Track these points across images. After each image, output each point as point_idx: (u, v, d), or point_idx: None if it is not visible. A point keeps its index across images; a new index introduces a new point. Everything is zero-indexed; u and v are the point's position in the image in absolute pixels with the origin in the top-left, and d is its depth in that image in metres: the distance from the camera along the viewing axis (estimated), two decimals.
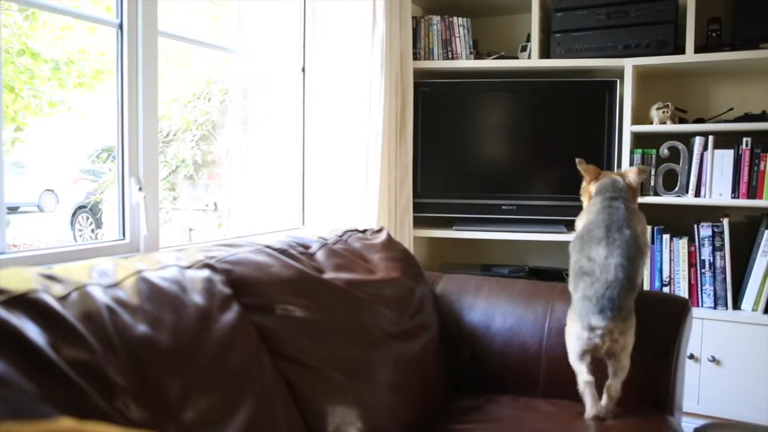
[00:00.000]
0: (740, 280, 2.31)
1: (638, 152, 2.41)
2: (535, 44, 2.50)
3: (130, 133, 1.59)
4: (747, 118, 2.33)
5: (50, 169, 4.94)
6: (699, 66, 2.38)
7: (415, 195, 2.50)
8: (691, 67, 2.41)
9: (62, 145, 4.31)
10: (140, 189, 1.60)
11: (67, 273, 0.94)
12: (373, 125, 2.21)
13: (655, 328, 1.53)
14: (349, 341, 1.31)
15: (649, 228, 2.32)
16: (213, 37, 3.01)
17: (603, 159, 2.45)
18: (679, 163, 2.37)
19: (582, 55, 2.45)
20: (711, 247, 2.30)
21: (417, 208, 2.51)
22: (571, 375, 1.55)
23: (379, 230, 1.81)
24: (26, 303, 0.80)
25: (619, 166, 2.44)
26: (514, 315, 1.65)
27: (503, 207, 2.54)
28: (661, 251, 2.36)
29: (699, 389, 2.27)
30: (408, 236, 2.43)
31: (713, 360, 2.25)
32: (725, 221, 2.29)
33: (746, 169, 2.26)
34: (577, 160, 1.72)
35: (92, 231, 4.70)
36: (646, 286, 2.39)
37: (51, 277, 0.90)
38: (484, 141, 2.65)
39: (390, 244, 1.73)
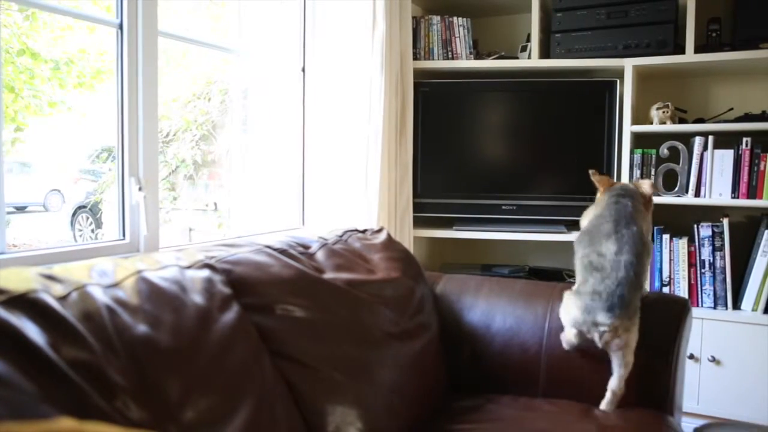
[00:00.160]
0: (740, 280, 2.31)
1: (638, 152, 2.41)
2: (535, 44, 2.50)
3: (130, 133, 1.59)
4: (747, 118, 2.33)
5: (54, 169, 4.96)
6: (699, 66, 2.38)
7: (415, 195, 2.50)
8: (691, 67, 2.41)
9: (62, 145, 4.31)
10: (140, 189, 1.60)
11: (67, 273, 0.94)
12: (373, 125, 2.21)
13: (655, 328, 1.53)
14: (349, 341, 1.31)
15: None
16: (213, 37, 3.01)
17: (603, 159, 2.45)
18: (679, 163, 2.37)
19: (582, 55, 2.45)
20: (711, 247, 2.30)
21: (417, 208, 2.51)
22: (571, 375, 1.56)
23: (379, 230, 1.81)
24: (26, 303, 0.80)
25: (619, 166, 2.44)
26: (514, 315, 1.65)
27: (503, 207, 2.54)
28: (661, 251, 2.36)
29: (699, 389, 2.27)
30: (408, 236, 2.43)
31: (713, 360, 2.25)
32: (725, 221, 2.29)
33: (746, 169, 2.26)
34: (590, 171, 1.71)
35: (92, 231, 4.70)
36: (646, 287, 2.39)
37: (51, 277, 0.90)
38: (484, 141, 2.65)
39: (390, 244, 1.73)
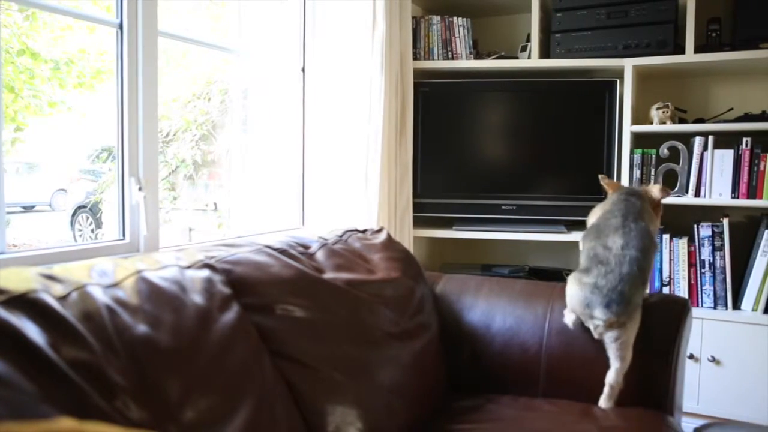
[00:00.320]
0: (740, 280, 2.31)
1: (638, 152, 2.41)
2: (535, 44, 2.50)
3: (130, 133, 1.59)
4: (747, 118, 2.33)
5: (59, 169, 4.99)
6: (699, 66, 2.38)
7: (415, 195, 2.50)
8: (691, 67, 2.41)
9: (62, 145, 4.31)
10: (140, 189, 1.60)
11: (67, 273, 0.94)
12: (373, 125, 2.21)
13: (655, 328, 1.53)
14: (349, 341, 1.31)
15: None
16: (213, 37, 3.01)
17: (603, 159, 2.45)
18: (679, 163, 2.37)
19: (582, 55, 2.45)
20: (711, 247, 2.30)
21: (417, 208, 2.51)
22: (571, 375, 1.56)
23: (379, 230, 1.81)
24: (26, 303, 0.80)
25: (619, 166, 2.44)
26: (514, 315, 1.65)
27: (503, 207, 2.54)
28: (661, 251, 2.36)
29: (699, 389, 2.27)
30: (408, 236, 2.43)
31: (713, 360, 2.25)
32: (725, 221, 2.29)
33: (746, 169, 2.26)
34: (600, 176, 1.74)
35: (92, 231, 4.70)
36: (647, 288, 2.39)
37: (51, 277, 0.90)
38: (484, 141, 2.65)
39: (390, 244, 1.73)
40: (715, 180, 2.30)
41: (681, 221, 2.41)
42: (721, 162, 2.30)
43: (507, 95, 2.59)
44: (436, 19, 2.57)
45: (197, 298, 1.06)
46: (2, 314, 0.75)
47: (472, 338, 1.66)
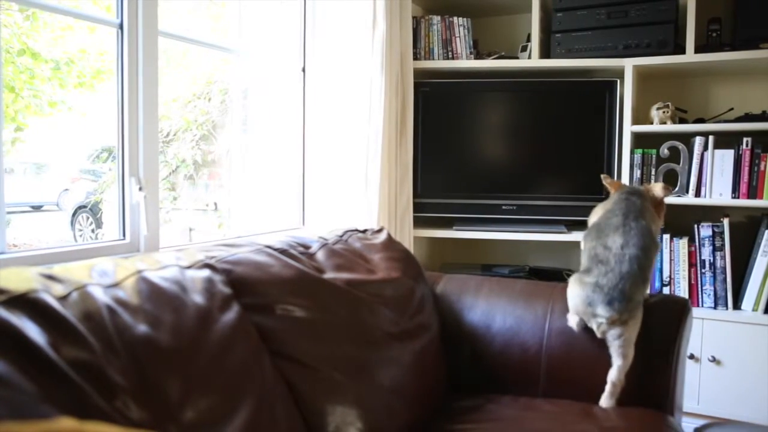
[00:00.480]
0: (740, 280, 2.31)
1: (638, 152, 2.41)
2: (535, 44, 2.50)
3: (131, 133, 1.59)
4: (747, 118, 2.33)
5: (63, 169, 5.01)
6: (699, 66, 2.38)
7: (415, 195, 2.50)
8: (691, 67, 2.41)
9: (63, 145, 4.31)
10: (140, 189, 1.60)
11: (67, 273, 0.94)
12: (373, 125, 2.21)
13: (655, 329, 1.53)
14: (349, 341, 1.31)
15: None
16: (213, 37, 3.01)
17: (603, 159, 2.45)
18: (679, 163, 2.37)
19: (582, 55, 2.45)
20: (711, 247, 2.30)
21: (417, 208, 2.51)
22: (572, 375, 1.56)
23: (379, 230, 1.81)
24: (26, 303, 0.80)
25: (620, 166, 2.44)
26: (514, 315, 1.65)
27: (503, 207, 2.54)
28: (661, 251, 2.36)
29: (699, 389, 2.27)
30: (408, 236, 2.43)
31: (713, 360, 2.25)
32: (725, 221, 2.29)
33: (746, 169, 2.26)
34: (602, 175, 1.76)
35: (92, 231, 4.70)
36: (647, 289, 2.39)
37: (51, 277, 0.90)
38: (484, 141, 2.65)
39: (390, 244, 1.73)
40: (716, 180, 2.30)
41: (681, 221, 2.41)
42: (722, 162, 2.30)
43: (507, 95, 2.59)
44: (436, 19, 2.57)
45: (197, 298, 1.06)
46: (2, 314, 0.75)
47: (472, 338, 1.66)
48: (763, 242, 2.23)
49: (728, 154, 2.29)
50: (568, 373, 1.56)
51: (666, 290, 2.36)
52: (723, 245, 2.28)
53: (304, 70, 2.32)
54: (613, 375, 1.47)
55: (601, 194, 1.77)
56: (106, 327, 0.87)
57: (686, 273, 2.34)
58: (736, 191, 2.28)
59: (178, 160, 4.08)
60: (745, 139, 2.27)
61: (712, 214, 2.38)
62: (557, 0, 2.48)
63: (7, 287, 0.81)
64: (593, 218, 1.65)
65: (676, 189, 2.37)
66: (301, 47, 2.31)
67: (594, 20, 2.43)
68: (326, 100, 2.25)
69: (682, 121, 2.49)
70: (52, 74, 3.41)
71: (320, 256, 1.48)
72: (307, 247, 1.48)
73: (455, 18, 2.57)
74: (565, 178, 2.55)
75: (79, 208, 4.86)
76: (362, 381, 1.28)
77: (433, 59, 2.58)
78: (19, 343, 0.74)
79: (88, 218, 4.82)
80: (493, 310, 1.68)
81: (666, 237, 2.36)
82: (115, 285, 0.97)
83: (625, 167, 2.41)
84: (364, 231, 1.77)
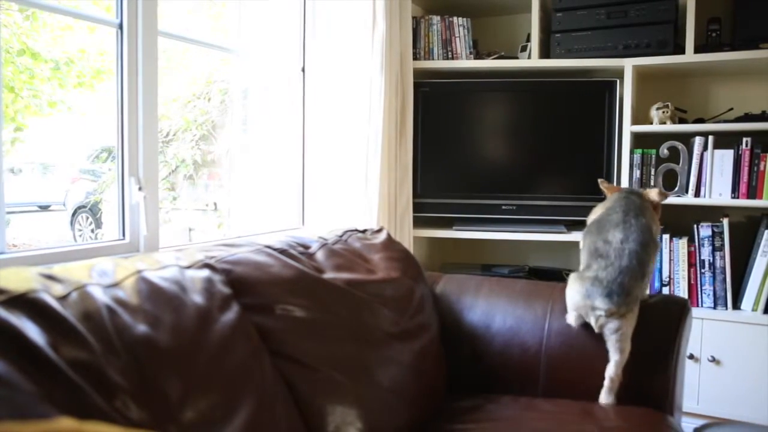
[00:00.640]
0: (740, 280, 2.31)
1: (638, 152, 2.41)
2: (535, 44, 2.50)
3: (130, 133, 1.59)
4: (747, 118, 2.33)
5: (64, 168, 5.03)
6: (699, 66, 2.38)
7: (415, 195, 2.50)
8: (691, 67, 2.41)
9: (62, 144, 4.31)
10: (140, 189, 1.60)
11: (67, 273, 0.94)
12: (373, 125, 2.21)
13: (654, 329, 1.53)
14: (349, 341, 1.31)
15: None
16: (213, 37, 3.01)
17: (603, 159, 2.45)
18: (678, 163, 2.37)
19: (582, 55, 2.45)
20: (711, 247, 2.30)
21: (417, 208, 2.51)
22: (571, 375, 1.56)
23: (379, 230, 1.81)
24: (26, 303, 0.80)
25: (619, 166, 2.44)
26: (514, 315, 1.65)
27: (503, 207, 2.54)
28: (661, 251, 2.36)
29: (699, 389, 2.27)
30: (408, 236, 2.43)
31: (713, 360, 2.25)
32: (725, 221, 2.29)
33: (746, 169, 2.26)
34: (599, 180, 1.78)
35: (92, 231, 4.70)
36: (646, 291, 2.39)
37: (51, 277, 0.90)
38: (484, 141, 2.65)
39: (390, 244, 1.73)
40: (715, 180, 2.30)
41: (681, 221, 2.41)
42: (721, 162, 2.30)
43: (507, 95, 2.59)
44: (436, 19, 2.57)
45: (197, 298, 1.06)
46: (2, 314, 0.75)
47: (472, 338, 1.66)
48: (763, 242, 2.23)
49: (728, 154, 2.29)
50: (567, 373, 1.56)
51: (665, 290, 2.36)
52: (722, 245, 2.28)
53: (303, 70, 2.32)
54: (610, 370, 1.47)
55: (601, 194, 1.77)
56: (106, 327, 0.87)
57: (686, 273, 2.34)
58: (735, 191, 2.28)
59: (178, 160, 4.07)
60: (744, 139, 2.27)
61: (712, 214, 2.38)
62: (557, 0, 2.49)
63: (7, 287, 0.81)
64: (592, 217, 1.66)
65: (676, 189, 2.37)
66: (301, 47, 2.31)
67: (594, 20, 2.43)
68: (326, 100, 2.24)
69: (682, 121, 2.49)
70: (52, 74, 3.41)
71: (320, 256, 1.48)
72: (306, 247, 1.48)
73: (455, 18, 2.57)
74: (564, 178, 2.55)
75: (79, 208, 4.86)
76: (362, 381, 1.28)
77: (433, 59, 2.58)
78: (19, 343, 0.74)
79: (87, 218, 4.82)
80: (492, 310, 1.68)
81: (666, 237, 2.36)
82: (115, 285, 0.97)
83: (625, 167, 2.41)
84: (364, 231, 1.77)
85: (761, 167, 2.24)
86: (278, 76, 2.28)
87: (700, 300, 2.31)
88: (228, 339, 1.05)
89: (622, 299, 1.43)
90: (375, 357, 1.35)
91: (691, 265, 2.33)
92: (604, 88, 2.46)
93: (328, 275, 1.41)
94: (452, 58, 2.57)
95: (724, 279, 2.28)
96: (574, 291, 1.52)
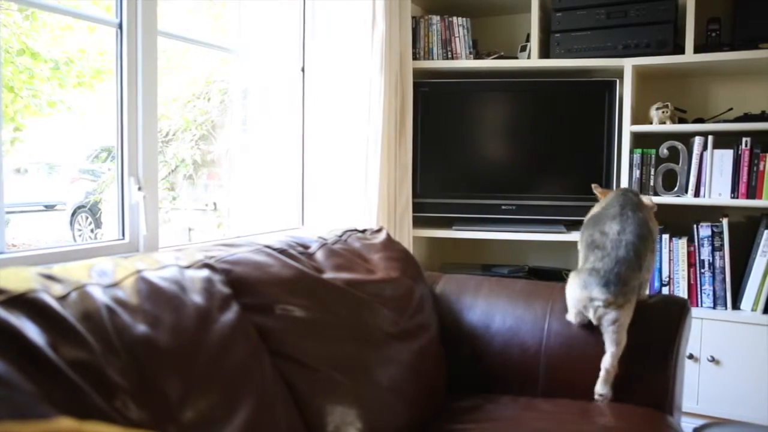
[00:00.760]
0: (739, 280, 2.31)
1: (638, 152, 2.41)
2: (534, 44, 2.50)
3: (130, 133, 1.59)
4: (746, 118, 2.33)
5: (66, 168, 5.04)
6: (699, 66, 2.38)
7: (414, 195, 2.50)
8: (691, 67, 2.41)
9: (62, 144, 4.32)
10: (140, 189, 1.60)
11: (66, 273, 0.94)
12: (372, 125, 2.21)
13: (654, 328, 1.53)
14: (348, 341, 1.31)
15: None
16: (213, 37, 3.01)
17: (603, 159, 2.45)
18: (678, 163, 2.37)
19: (581, 55, 2.45)
20: (710, 247, 2.30)
21: (416, 207, 2.51)
22: (571, 375, 1.56)
23: (379, 230, 1.81)
24: (26, 303, 0.80)
25: (619, 166, 2.44)
26: (514, 315, 1.65)
27: (503, 207, 2.54)
28: (660, 251, 2.36)
29: (698, 389, 2.27)
30: (407, 236, 2.43)
31: (712, 360, 2.25)
32: (724, 221, 2.29)
33: (746, 169, 2.26)
34: (593, 185, 1.81)
35: (92, 231, 4.70)
36: (646, 291, 2.39)
37: (50, 277, 0.90)
38: (483, 141, 2.65)
39: (389, 244, 1.73)
40: (715, 180, 2.31)
41: (680, 221, 2.41)
42: (721, 162, 2.30)
43: (507, 95, 2.59)
44: (435, 18, 2.57)
45: (197, 297, 1.06)
46: (2, 314, 0.75)
47: (472, 338, 1.66)
48: (762, 242, 2.23)
49: (727, 154, 2.29)
50: (567, 372, 1.56)
51: (665, 290, 2.36)
52: (722, 245, 2.28)
53: (303, 70, 2.32)
54: (606, 362, 1.48)
55: None
56: (106, 327, 0.87)
57: (685, 273, 2.34)
58: (735, 191, 2.28)
59: (178, 159, 4.07)
60: (744, 139, 2.27)
61: (712, 214, 2.38)
62: (556, 0, 2.49)
63: (6, 287, 0.80)
64: (590, 215, 1.67)
65: (676, 189, 2.37)
66: (301, 47, 2.31)
67: (593, 20, 2.43)
68: (325, 100, 2.24)
69: (682, 121, 2.49)
70: (52, 74, 3.41)
71: (319, 256, 1.48)
72: (306, 247, 1.48)
73: (455, 18, 2.57)
74: (564, 177, 2.55)
75: (78, 208, 4.85)
76: (362, 381, 1.28)
77: (433, 59, 2.58)
78: (19, 343, 0.74)
79: (87, 218, 4.81)
80: (492, 310, 1.68)
81: (665, 237, 2.36)
82: (115, 285, 0.97)
83: (625, 167, 2.41)
84: (364, 231, 1.77)
85: (761, 167, 2.24)
86: (278, 76, 2.28)
87: (699, 300, 2.31)
88: (228, 339, 1.05)
89: (618, 289, 1.44)
90: (375, 357, 1.35)
91: (690, 265, 2.33)
92: (604, 88, 2.46)
93: (328, 275, 1.41)
94: (452, 58, 2.57)
95: (724, 279, 2.28)
96: (573, 285, 1.54)
